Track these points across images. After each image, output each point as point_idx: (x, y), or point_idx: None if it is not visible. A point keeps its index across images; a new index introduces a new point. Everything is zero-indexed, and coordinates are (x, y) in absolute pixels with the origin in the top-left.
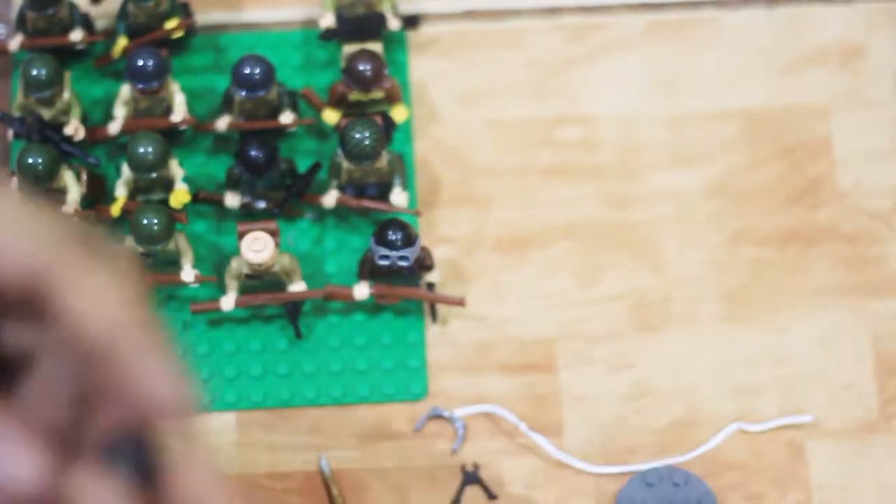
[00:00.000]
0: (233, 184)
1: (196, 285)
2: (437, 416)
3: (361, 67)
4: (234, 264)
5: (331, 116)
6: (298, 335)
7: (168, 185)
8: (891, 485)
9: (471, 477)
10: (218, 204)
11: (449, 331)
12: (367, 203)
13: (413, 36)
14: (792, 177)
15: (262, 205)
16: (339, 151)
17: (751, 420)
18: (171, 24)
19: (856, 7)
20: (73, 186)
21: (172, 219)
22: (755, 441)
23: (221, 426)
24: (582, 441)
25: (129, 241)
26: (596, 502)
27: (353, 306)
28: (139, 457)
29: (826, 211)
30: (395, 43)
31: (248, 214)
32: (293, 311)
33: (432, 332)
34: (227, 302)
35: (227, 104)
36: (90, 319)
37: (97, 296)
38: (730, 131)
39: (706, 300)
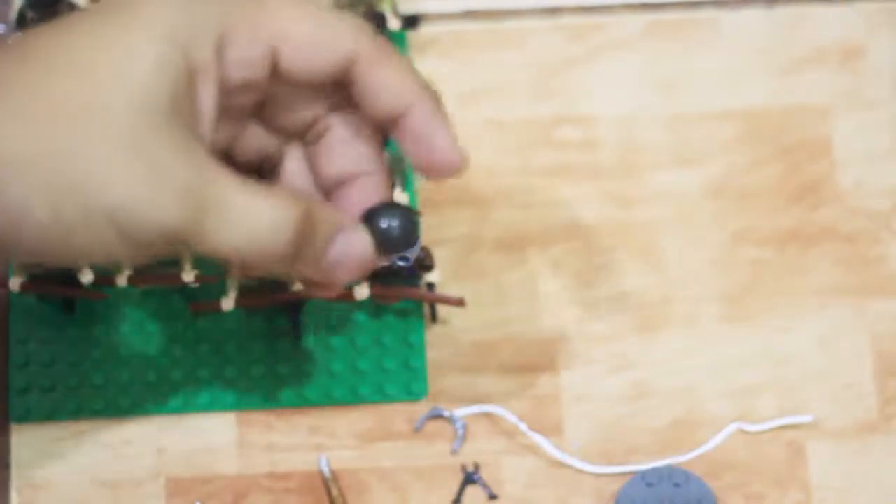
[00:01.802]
0: None
1: (196, 285)
2: (437, 416)
3: None
4: None
5: None
6: (298, 335)
7: None
8: (891, 485)
9: (471, 477)
10: None
11: (449, 331)
12: None
13: (413, 36)
14: (792, 177)
15: None
16: None
17: (751, 420)
18: None
19: (856, 7)
20: None
21: None
22: (755, 441)
23: (221, 426)
24: (582, 441)
25: None
26: (596, 502)
27: (353, 306)
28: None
29: (826, 211)
30: (395, 43)
31: None
32: (293, 311)
33: (432, 332)
34: (228, 302)
35: None
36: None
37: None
38: (730, 131)
39: (706, 300)
